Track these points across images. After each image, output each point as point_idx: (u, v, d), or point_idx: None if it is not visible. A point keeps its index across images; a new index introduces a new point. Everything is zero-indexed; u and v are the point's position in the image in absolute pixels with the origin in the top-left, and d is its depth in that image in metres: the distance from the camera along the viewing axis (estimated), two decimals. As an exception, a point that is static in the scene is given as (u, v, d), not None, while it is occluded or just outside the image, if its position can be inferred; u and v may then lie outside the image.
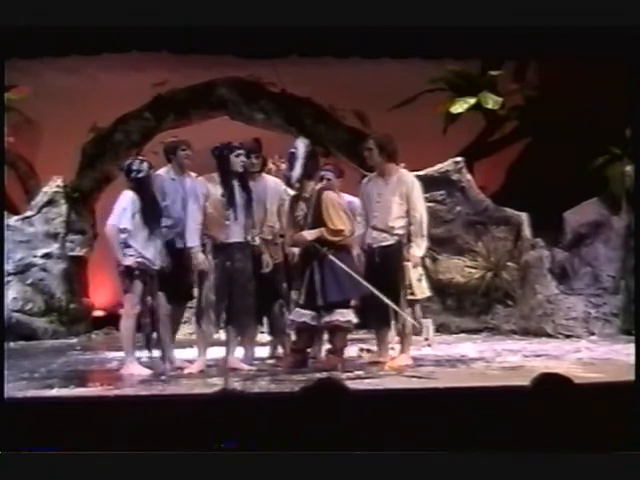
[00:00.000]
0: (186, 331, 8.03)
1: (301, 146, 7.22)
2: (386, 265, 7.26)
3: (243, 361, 7.39)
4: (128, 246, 7.04)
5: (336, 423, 3.45)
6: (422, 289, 7.39)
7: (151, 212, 7.10)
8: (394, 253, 7.27)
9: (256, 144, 7.63)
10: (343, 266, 7.06)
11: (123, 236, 7.04)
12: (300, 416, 3.49)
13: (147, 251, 7.05)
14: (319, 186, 7.29)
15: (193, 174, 7.44)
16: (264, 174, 7.75)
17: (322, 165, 7.75)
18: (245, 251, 7.17)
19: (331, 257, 7.09)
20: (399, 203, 7.30)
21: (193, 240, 7.07)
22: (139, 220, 7.04)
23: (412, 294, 7.27)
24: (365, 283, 7.10)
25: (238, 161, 7.15)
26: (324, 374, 6.61)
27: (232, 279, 7.10)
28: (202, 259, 7.04)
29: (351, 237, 7.29)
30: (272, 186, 7.67)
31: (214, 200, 7.10)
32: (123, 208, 7.08)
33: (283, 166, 7.97)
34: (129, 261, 7.03)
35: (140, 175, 7.11)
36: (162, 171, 7.50)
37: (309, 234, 7.16)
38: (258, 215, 7.36)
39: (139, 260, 7.02)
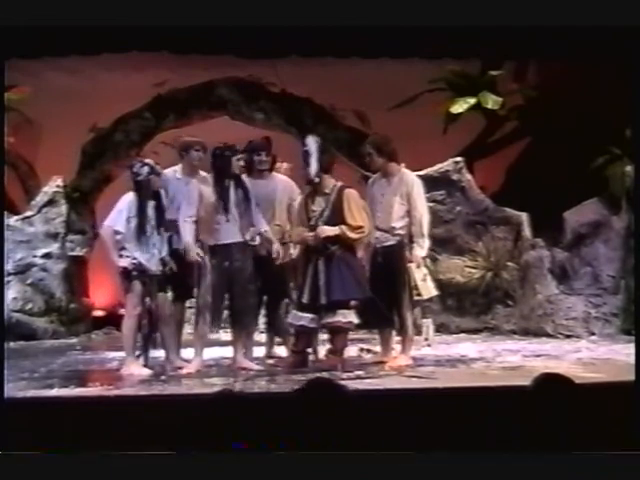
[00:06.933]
0: (186, 331, 8.02)
1: (311, 142, 7.19)
2: (388, 265, 7.27)
3: (246, 361, 7.39)
4: (123, 248, 7.05)
5: (336, 423, 3.44)
6: (428, 289, 7.37)
7: (150, 215, 7.09)
8: (395, 253, 7.28)
9: (266, 142, 7.65)
10: (351, 267, 7.06)
11: (118, 238, 7.05)
12: (300, 416, 3.49)
13: (142, 254, 7.04)
14: (340, 183, 7.28)
15: (204, 174, 7.40)
16: (274, 173, 7.75)
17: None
18: (244, 251, 7.16)
19: (339, 256, 7.06)
20: (400, 203, 7.31)
21: (186, 234, 7.04)
22: (135, 223, 7.03)
23: (418, 295, 7.26)
24: (367, 288, 7.10)
25: (238, 165, 7.18)
26: (324, 374, 6.61)
27: (232, 280, 7.09)
28: (194, 252, 7.00)
29: (368, 235, 7.25)
30: (282, 185, 7.66)
31: (206, 204, 7.09)
32: (119, 210, 7.10)
33: (284, 166, 7.99)
34: (124, 262, 7.04)
35: (139, 178, 7.10)
36: (169, 170, 7.50)
37: (329, 230, 7.09)
38: (265, 214, 7.36)
39: (134, 262, 7.02)
